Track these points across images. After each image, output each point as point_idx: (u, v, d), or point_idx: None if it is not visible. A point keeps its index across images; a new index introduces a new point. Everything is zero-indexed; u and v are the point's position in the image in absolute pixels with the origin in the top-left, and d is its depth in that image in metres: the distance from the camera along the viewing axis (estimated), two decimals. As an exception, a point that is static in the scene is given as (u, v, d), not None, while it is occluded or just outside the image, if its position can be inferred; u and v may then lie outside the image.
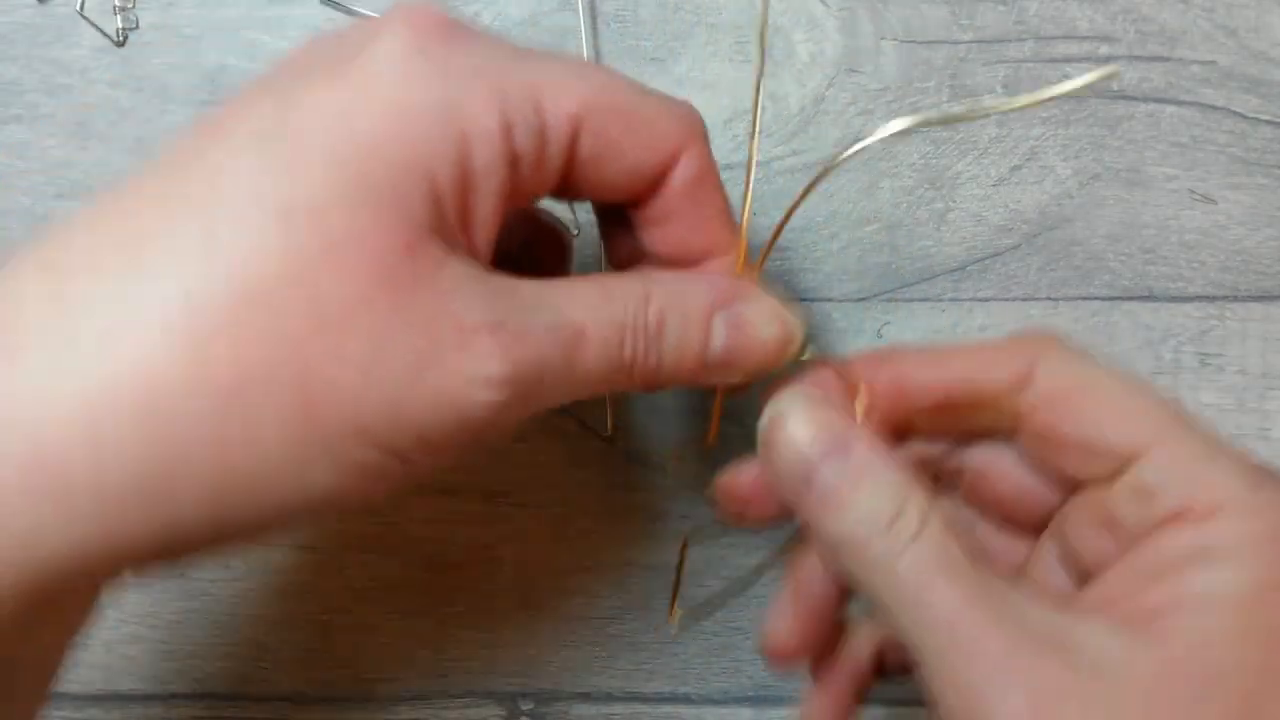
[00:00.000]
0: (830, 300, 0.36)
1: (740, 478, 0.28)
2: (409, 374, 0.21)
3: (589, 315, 0.23)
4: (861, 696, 0.29)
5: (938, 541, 0.23)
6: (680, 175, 0.26)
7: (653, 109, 0.25)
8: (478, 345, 0.21)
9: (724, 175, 0.36)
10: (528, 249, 0.28)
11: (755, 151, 0.28)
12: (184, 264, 0.20)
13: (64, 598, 0.22)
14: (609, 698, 0.38)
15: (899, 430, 0.27)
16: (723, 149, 0.36)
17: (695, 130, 0.26)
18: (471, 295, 0.22)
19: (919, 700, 0.38)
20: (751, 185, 0.28)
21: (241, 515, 0.21)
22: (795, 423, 0.25)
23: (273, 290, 0.20)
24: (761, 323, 0.26)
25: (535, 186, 0.24)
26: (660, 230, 0.27)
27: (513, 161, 0.23)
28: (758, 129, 0.28)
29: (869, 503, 0.23)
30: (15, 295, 0.20)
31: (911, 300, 0.36)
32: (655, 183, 0.26)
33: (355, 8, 0.36)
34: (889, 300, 0.36)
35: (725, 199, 0.27)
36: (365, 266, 0.20)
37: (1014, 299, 0.36)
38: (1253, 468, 0.23)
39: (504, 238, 0.24)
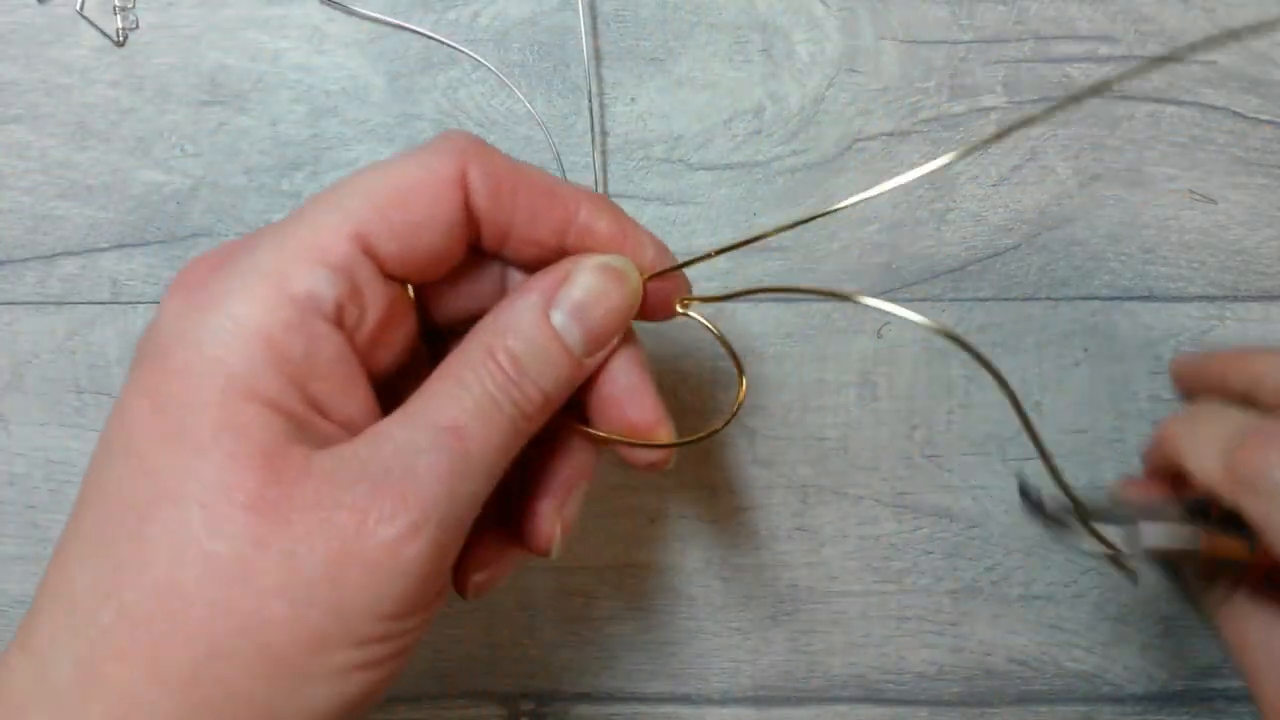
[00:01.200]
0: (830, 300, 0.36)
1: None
2: (332, 578, 0.22)
3: (455, 409, 0.24)
4: None
5: None
6: (476, 193, 0.25)
7: (412, 166, 0.25)
8: (376, 514, 0.22)
9: (723, 175, 0.36)
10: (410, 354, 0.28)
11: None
12: (118, 587, 0.22)
13: None
14: (609, 698, 0.38)
15: None
16: (723, 149, 0.36)
17: (467, 149, 0.25)
18: (346, 477, 0.22)
19: (919, 700, 0.38)
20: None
21: None
22: None
23: (175, 566, 0.21)
24: (591, 291, 0.26)
25: (377, 317, 0.24)
26: (512, 246, 0.27)
27: (337, 319, 0.23)
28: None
29: None
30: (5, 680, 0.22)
31: (911, 300, 0.36)
32: (471, 227, 0.26)
33: (355, 8, 0.36)
34: (889, 300, 0.36)
35: (545, 178, 0.26)
36: (240, 517, 0.21)
37: (1014, 299, 0.36)
38: None
39: (392, 368, 0.26)
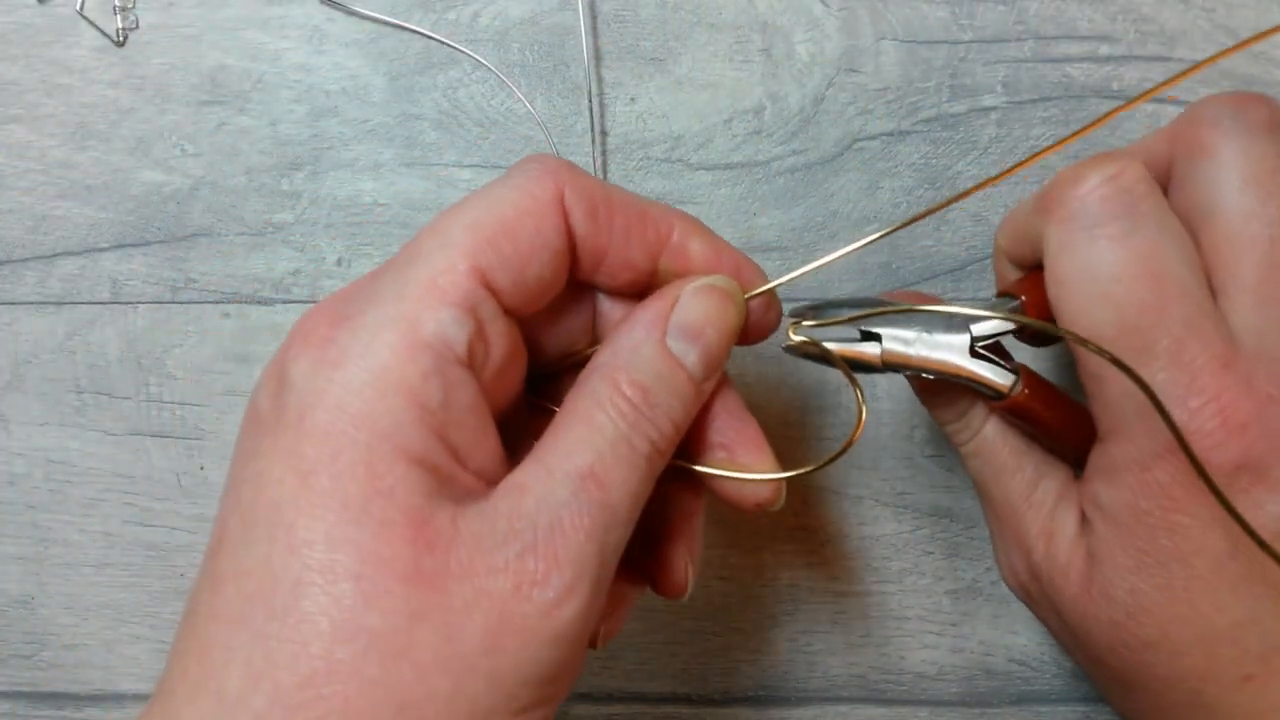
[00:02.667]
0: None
1: None
2: (490, 648, 0.21)
3: (590, 454, 0.23)
4: None
5: None
6: (575, 218, 0.25)
7: (516, 195, 0.24)
8: (530, 578, 0.22)
9: (723, 175, 0.36)
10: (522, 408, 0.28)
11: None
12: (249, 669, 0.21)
13: None
14: (609, 698, 0.38)
15: None
16: (723, 149, 0.36)
17: (562, 174, 0.25)
18: (495, 539, 0.22)
19: (919, 700, 0.38)
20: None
21: None
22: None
23: (333, 654, 0.21)
24: (702, 314, 0.25)
25: (501, 355, 0.24)
26: (609, 269, 0.26)
27: (469, 362, 0.23)
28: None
29: None
30: None
31: (911, 300, 0.36)
32: (569, 261, 0.25)
33: (355, 8, 0.36)
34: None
35: (637, 201, 0.26)
36: (398, 590, 0.21)
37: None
38: None
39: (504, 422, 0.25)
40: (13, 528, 0.38)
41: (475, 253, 0.23)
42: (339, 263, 0.37)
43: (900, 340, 0.28)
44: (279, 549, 0.21)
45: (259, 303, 0.37)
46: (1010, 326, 0.27)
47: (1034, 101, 0.36)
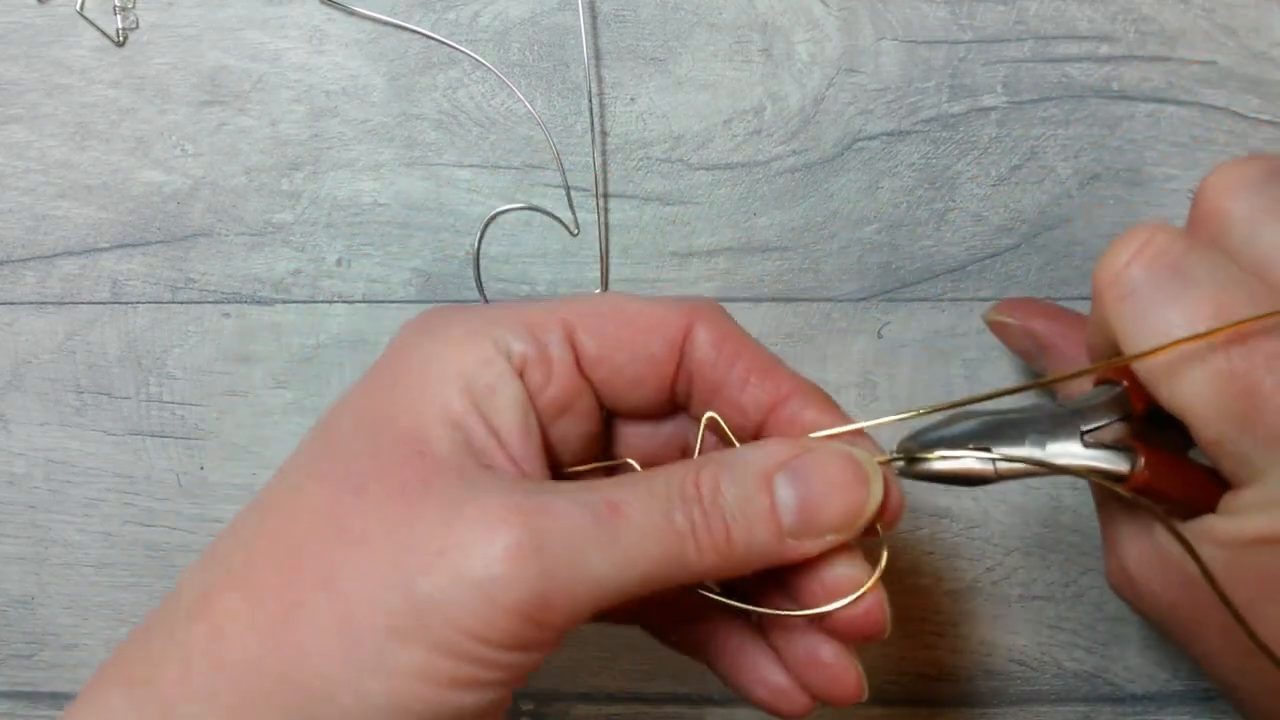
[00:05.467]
0: (830, 300, 0.36)
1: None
2: (425, 568, 0.22)
3: (624, 490, 0.24)
4: None
5: None
6: (698, 343, 0.26)
7: (646, 302, 0.27)
8: (491, 523, 0.22)
9: (723, 175, 0.36)
10: None
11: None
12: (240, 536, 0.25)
13: None
14: (609, 698, 0.38)
15: None
16: (723, 149, 0.36)
17: (701, 308, 0.26)
18: (491, 489, 0.23)
19: (919, 700, 0.38)
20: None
21: None
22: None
23: (308, 526, 0.23)
24: (831, 471, 0.24)
25: (560, 392, 0.26)
26: (715, 405, 0.26)
27: (520, 372, 0.25)
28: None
29: None
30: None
31: (911, 300, 0.36)
32: (676, 367, 0.26)
33: (355, 8, 0.36)
34: (889, 300, 0.36)
35: (768, 355, 0.26)
36: (383, 494, 0.23)
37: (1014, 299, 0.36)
38: None
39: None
40: (13, 528, 0.38)
41: (575, 313, 0.26)
42: (339, 263, 0.37)
43: (1011, 448, 0.27)
44: (324, 454, 0.25)
45: (259, 303, 0.37)
46: (1117, 416, 0.27)
47: (1034, 101, 0.36)
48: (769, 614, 0.26)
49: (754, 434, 0.26)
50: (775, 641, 0.27)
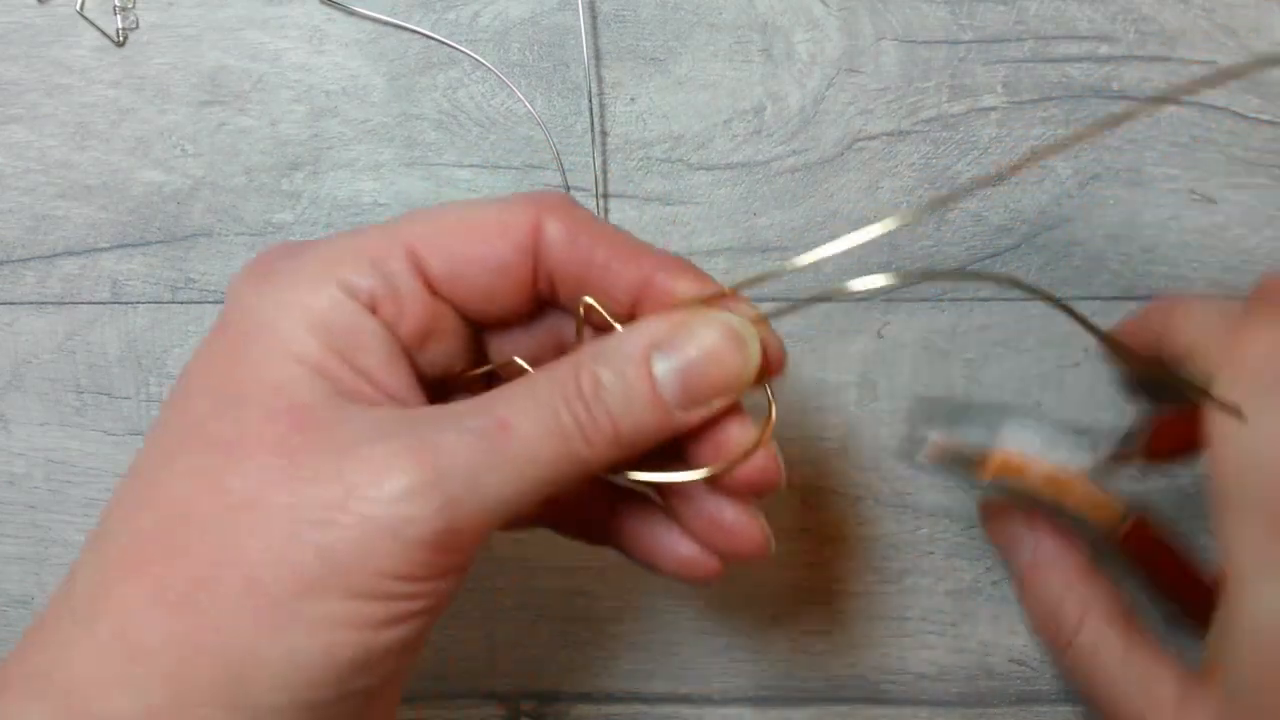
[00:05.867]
0: (830, 300, 0.36)
1: None
2: (327, 521, 0.22)
3: (510, 403, 0.23)
4: None
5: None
6: (550, 239, 0.25)
7: (488, 206, 0.26)
8: (385, 465, 0.22)
9: (723, 175, 0.36)
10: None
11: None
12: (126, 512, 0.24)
13: None
14: (609, 698, 0.38)
15: None
16: (723, 149, 0.36)
17: (547, 200, 0.26)
18: (376, 430, 0.23)
19: (919, 700, 0.38)
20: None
21: (272, 700, 0.22)
22: None
23: (190, 496, 0.23)
24: (706, 339, 0.24)
25: (417, 321, 0.25)
26: (572, 295, 0.26)
27: (373, 308, 0.24)
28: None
29: None
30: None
31: (911, 300, 0.36)
32: (532, 269, 0.26)
33: (355, 8, 0.36)
34: (889, 300, 0.36)
35: (625, 237, 0.26)
36: (263, 453, 0.23)
37: (1014, 299, 0.36)
38: None
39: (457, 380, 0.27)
40: (13, 528, 0.38)
41: (416, 236, 0.25)
42: (339, 263, 0.37)
43: (1019, 444, 0.27)
44: (178, 419, 0.24)
45: (259, 303, 0.37)
46: (1133, 450, 0.27)
47: (1034, 101, 0.36)
48: (665, 480, 0.26)
49: (630, 316, 0.26)
50: (679, 513, 0.27)
